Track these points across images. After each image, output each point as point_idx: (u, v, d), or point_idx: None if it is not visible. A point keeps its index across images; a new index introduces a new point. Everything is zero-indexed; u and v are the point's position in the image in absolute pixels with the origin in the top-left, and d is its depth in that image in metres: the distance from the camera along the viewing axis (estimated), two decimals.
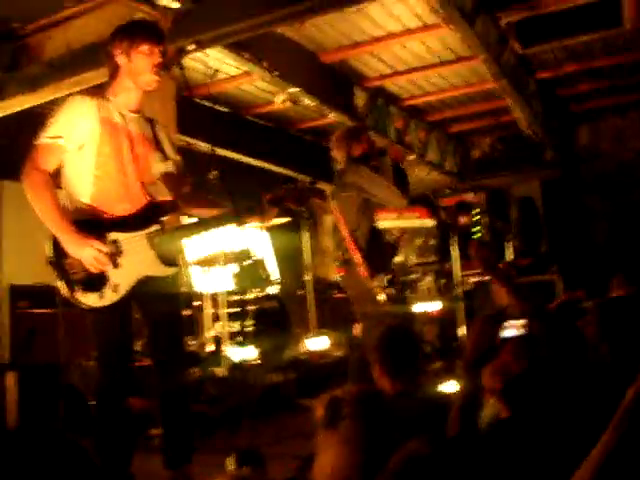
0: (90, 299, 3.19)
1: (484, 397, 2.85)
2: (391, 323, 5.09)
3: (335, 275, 5.36)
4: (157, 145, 3.46)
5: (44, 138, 3.21)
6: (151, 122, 3.52)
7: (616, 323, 2.66)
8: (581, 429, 1.81)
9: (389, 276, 5.00)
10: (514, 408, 2.11)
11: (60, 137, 3.20)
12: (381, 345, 3.31)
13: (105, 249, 3.16)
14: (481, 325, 2.62)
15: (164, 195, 3.46)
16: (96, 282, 3.18)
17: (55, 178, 3.27)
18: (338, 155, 5.25)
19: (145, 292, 3.27)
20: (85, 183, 3.25)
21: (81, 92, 3.36)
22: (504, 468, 1.83)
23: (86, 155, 3.24)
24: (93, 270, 3.15)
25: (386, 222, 7.86)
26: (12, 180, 4.96)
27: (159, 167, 3.46)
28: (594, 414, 1.74)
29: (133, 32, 3.35)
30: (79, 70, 5.59)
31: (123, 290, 3.20)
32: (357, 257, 4.97)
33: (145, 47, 3.29)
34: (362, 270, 4.92)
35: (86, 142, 3.24)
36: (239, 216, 3.35)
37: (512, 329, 3.23)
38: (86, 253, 3.12)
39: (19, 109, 6.11)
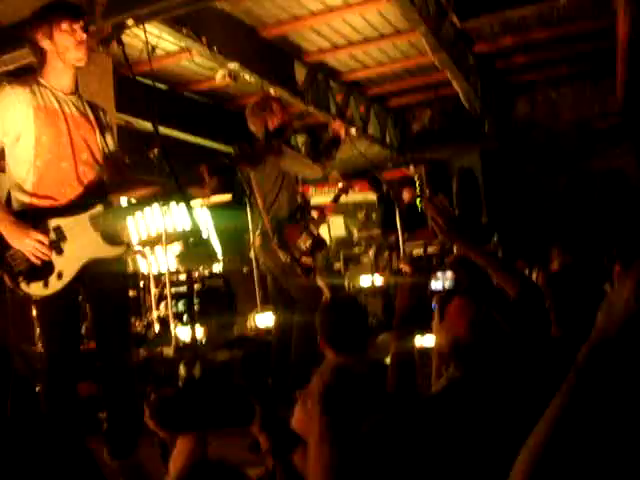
0: (34, 288, 3.15)
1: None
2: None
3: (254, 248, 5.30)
4: (99, 126, 3.40)
5: None
6: (92, 105, 3.46)
7: (563, 292, 2.73)
8: (531, 390, 1.85)
9: (307, 243, 4.94)
10: (466, 368, 2.14)
11: None
12: (326, 318, 3.27)
13: (43, 238, 3.11)
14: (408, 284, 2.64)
15: (109, 174, 3.40)
16: (41, 271, 3.15)
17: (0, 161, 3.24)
18: (255, 128, 5.11)
19: (91, 273, 3.23)
20: (26, 172, 3.20)
21: (11, 82, 3.26)
22: (456, 428, 1.87)
23: (24, 145, 3.19)
24: (34, 260, 3.12)
25: (321, 197, 7.89)
26: None
27: (101, 148, 3.40)
28: (544, 376, 1.79)
29: (50, 13, 3.26)
30: (7, 50, 5.44)
31: (68, 276, 3.16)
32: (269, 230, 4.91)
33: (65, 25, 3.21)
34: (274, 245, 4.87)
35: (22, 132, 3.18)
36: (180, 191, 3.31)
37: (440, 281, 3.29)
38: (25, 243, 3.09)
39: None
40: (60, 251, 3.17)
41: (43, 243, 3.11)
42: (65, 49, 3.22)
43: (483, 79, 9.38)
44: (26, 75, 3.33)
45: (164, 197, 3.46)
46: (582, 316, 2.39)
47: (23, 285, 3.14)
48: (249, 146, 4.88)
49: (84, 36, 3.22)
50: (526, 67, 9.73)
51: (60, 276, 3.15)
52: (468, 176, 10.64)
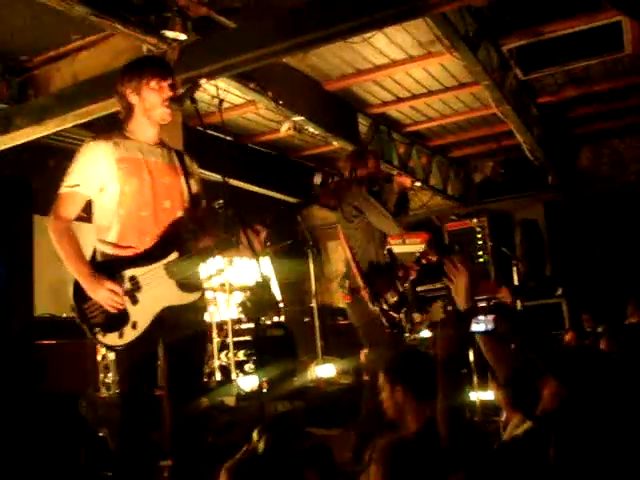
0: (110, 339, 3.23)
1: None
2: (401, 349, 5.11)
3: (341, 301, 5.36)
4: (184, 173, 3.49)
5: (64, 187, 3.30)
6: (179, 153, 3.56)
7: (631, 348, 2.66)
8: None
9: (393, 299, 5.00)
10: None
11: (77, 185, 3.29)
12: (404, 368, 3.24)
13: (117, 288, 3.19)
14: (444, 326, 2.58)
15: (189, 220, 3.46)
16: (116, 321, 3.22)
17: (87, 213, 3.39)
18: (345, 174, 5.26)
19: (168, 321, 3.27)
20: (110, 222, 3.30)
21: (95, 137, 3.39)
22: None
23: (108, 196, 3.30)
24: (110, 310, 3.19)
25: (397, 248, 7.85)
26: (42, 215, 5.03)
27: (185, 194, 3.48)
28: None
29: (140, 69, 3.38)
30: (85, 102, 5.64)
31: (142, 326, 3.21)
32: (360, 282, 5.00)
33: (154, 82, 3.33)
34: (364, 294, 4.95)
35: (105, 185, 3.29)
36: (234, 243, 3.35)
37: (481, 324, 3.24)
38: (100, 294, 3.18)
39: (25, 140, 6.14)
40: (135, 301, 3.23)
41: (116, 293, 3.18)
42: (152, 106, 3.34)
43: (546, 130, 9.33)
44: (111, 130, 3.45)
45: (230, 246, 3.48)
46: None
47: (99, 336, 3.24)
48: (332, 183, 4.96)
49: (170, 94, 3.33)
50: (590, 117, 9.63)
51: (135, 326, 3.21)
52: (531, 227, 10.52)
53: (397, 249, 7.70)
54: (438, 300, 7.91)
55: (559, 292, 8.76)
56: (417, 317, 5.16)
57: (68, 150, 6.02)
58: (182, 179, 3.46)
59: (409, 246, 8.94)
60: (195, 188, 3.53)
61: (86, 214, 3.42)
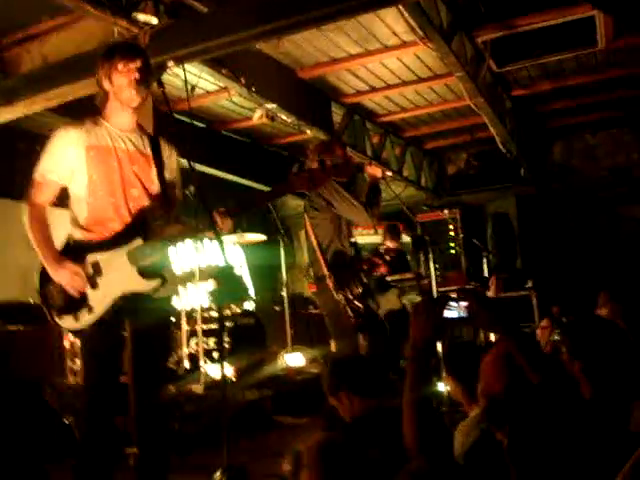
0: (66, 322, 3.26)
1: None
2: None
3: (309, 291, 5.37)
4: (158, 161, 3.46)
5: (36, 173, 3.33)
6: (155, 139, 3.53)
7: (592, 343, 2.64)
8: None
9: (358, 290, 5.02)
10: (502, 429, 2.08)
11: (50, 171, 3.31)
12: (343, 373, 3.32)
13: (78, 269, 3.21)
14: (417, 313, 2.50)
15: (158, 207, 3.44)
16: (74, 305, 3.24)
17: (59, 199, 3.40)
18: (311, 166, 5.24)
19: (133, 307, 3.27)
20: (80, 208, 3.34)
21: (66, 125, 3.38)
22: None
23: (79, 184, 3.32)
24: (71, 291, 3.21)
25: (362, 238, 7.88)
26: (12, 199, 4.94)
27: (156, 182, 3.45)
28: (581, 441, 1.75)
29: (110, 55, 3.38)
30: (55, 84, 5.57)
31: (99, 310, 3.21)
32: (325, 271, 5.00)
33: (121, 65, 3.30)
34: (329, 283, 4.95)
35: (75, 172, 3.31)
36: (199, 231, 3.38)
37: (454, 310, 3.24)
38: (62, 275, 3.21)
39: None
40: (95, 285, 3.24)
41: (78, 273, 3.21)
42: (119, 89, 3.31)
43: (520, 123, 9.38)
44: (87, 116, 3.44)
45: (196, 234, 3.50)
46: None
47: (56, 318, 3.27)
48: (306, 171, 4.94)
49: (137, 76, 3.29)
50: (564, 111, 9.68)
51: (90, 310, 3.22)
52: (503, 220, 10.58)
53: (366, 239, 7.71)
54: (392, 289, 7.92)
55: (529, 284, 8.80)
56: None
57: (37, 134, 5.95)
58: (153, 166, 3.44)
59: (380, 236, 8.97)
60: (170, 175, 3.51)
61: (58, 200, 3.42)
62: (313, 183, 3.51)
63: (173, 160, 3.59)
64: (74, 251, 3.29)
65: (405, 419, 2.27)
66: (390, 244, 8.33)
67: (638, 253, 9.29)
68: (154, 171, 3.45)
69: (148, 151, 3.46)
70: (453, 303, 2.74)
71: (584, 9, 6.13)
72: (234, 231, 3.43)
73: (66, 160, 3.30)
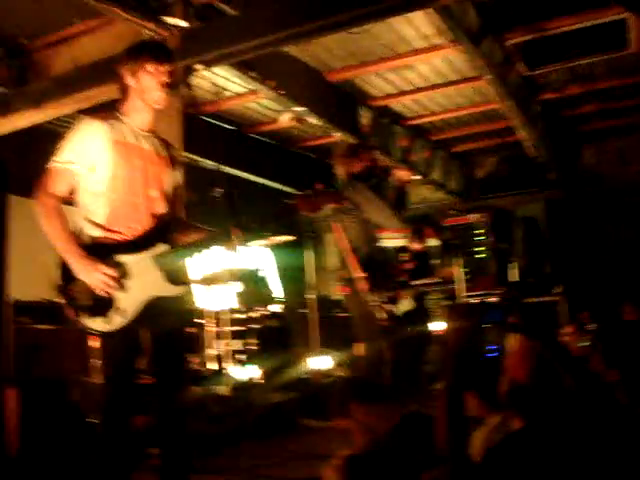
0: (97, 324, 3.18)
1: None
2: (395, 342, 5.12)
3: (338, 294, 5.36)
4: (171, 165, 3.47)
5: (55, 162, 3.22)
6: (166, 142, 3.54)
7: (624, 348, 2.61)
8: (591, 454, 1.78)
9: (389, 293, 5.02)
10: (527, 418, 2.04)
11: (71, 162, 3.21)
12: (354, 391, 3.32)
13: (111, 272, 3.15)
14: (459, 317, 2.46)
15: (178, 213, 3.46)
16: (104, 306, 3.17)
17: (71, 196, 3.28)
18: (339, 171, 5.27)
19: (153, 311, 3.25)
20: (98, 205, 3.25)
21: (91, 115, 3.35)
22: None
23: (99, 178, 3.24)
24: (101, 293, 3.15)
25: (391, 241, 7.84)
26: (20, 196, 4.94)
27: (171, 186, 3.47)
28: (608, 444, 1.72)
29: (139, 52, 3.37)
30: (84, 87, 5.62)
31: (130, 313, 3.18)
32: (358, 274, 4.99)
33: (151, 66, 3.30)
34: (362, 285, 4.95)
35: (97, 165, 3.23)
36: (215, 240, 3.37)
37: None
38: (92, 276, 3.12)
39: (25, 125, 6.12)
40: (123, 287, 3.19)
41: (112, 276, 3.15)
42: (147, 89, 3.30)
43: (549, 127, 9.29)
44: (105, 111, 3.41)
45: (216, 242, 3.47)
46: None
47: (85, 319, 3.17)
48: (312, 193, 4.95)
49: (167, 79, 3.30)
50: (594, 115, 9.59)
51: (122, 313, 3.17)
52: (532, 224, 10.50)
53: (394, 242, 7.69)
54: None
55: (558, 290, 8.72)
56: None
57: (46, 132, 5.99)
58: (168, 170, 3.44)
59: (403, 240, 8.94)
60: (178, 180, 3.52)
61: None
62: (315, 207, 3.51)
63: (180, 164, 3.61)
64: (95, 249, 3.19)
65: (438, 425, 2.26)
66: (416, 246, 8.29)
67: None
68: (169, 175, 3.46)
69: (164, 153, 3.47)
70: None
71: (615, 12, 6.07)
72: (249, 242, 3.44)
73: (89, 152, 3.22)
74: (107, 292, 3.16)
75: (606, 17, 6.23)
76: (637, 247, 9.63)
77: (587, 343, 5.13)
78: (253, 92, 7.24)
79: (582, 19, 6.32)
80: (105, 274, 3.14)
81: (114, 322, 3.17)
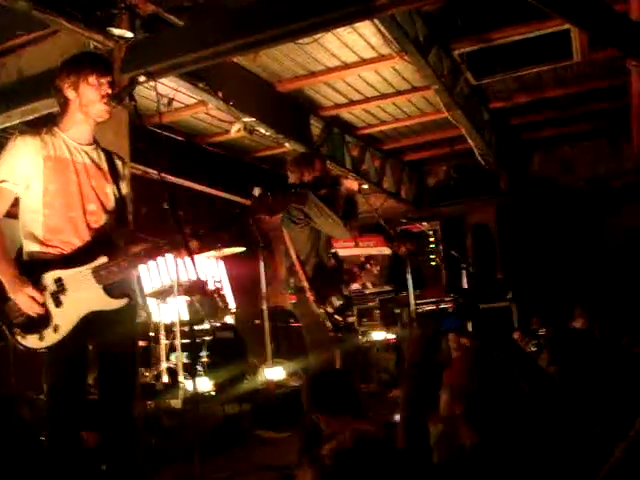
0: (30, 341, 3.15)
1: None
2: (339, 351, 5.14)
3: (288, 303, 5.35)
4: (114, 176, 3.43)
5: None
6: (109, 154, 3.49)
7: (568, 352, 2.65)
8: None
9: (338, 303, 5.02)
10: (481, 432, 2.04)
11: (4, 180, 3.20)
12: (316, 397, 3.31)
13: (37, 295, 3.12)
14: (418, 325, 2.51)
15: (115, 224, 3.42)
16: (37, 324, 3.14)
17: (14, 209, 3.28)
18: (291, 179, 5.26)
19: (94, 325, 3.21)
20: (35, 221, 3.23)
21: (22, 132, 3.32)
22: None
23: (33, 194, 3.22)
24: (30, 313, 3.13)
25: (344, 250, 7.88)
26: None
27: (113, 198, 3.42)
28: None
29: (79, 64, 3.33)
30: (30, 99, 5.54)
31: (64, 329, 3.14)
32: (305, 284, 4.98)
33: (92, 78, 3.27)
34: (310, 296, 4.94)
35: (31, 182, 3.22)
36: (163, 250, 3.33)
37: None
38: (20, 298, 3.11)
39: None
40: (59, 303, 3.16)
41: (35, 300, 3.11)
42: (89, 102, 3.27)
43: (498, 135, 9.43)
44: (41, 124, 3.37)
45: (161, 252, 3.43)
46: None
47: (19, 337, 3.16)
48: (269, 196, 4.94)
49: (109, 91, 3.27)
50: (542, 123, 9.75)
51: (56, 329, 3.13)
52: (483, 232, 10.62)
53: (346, 252, 7.71)
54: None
55: (509, 295, 8.84)
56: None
57: None
58: (110, 182, 3.41)
59: (361, 249, 8.98)
60: (124, 191, 3.49)
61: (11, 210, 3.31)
62: (272, 210, 3.50)
63: (127, 175, 3.58)
64: (32, 265, 3.19)
65: (398, 435, 2.28)
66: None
67: (617, 263, 9.35)
68: (110, 186, 3.42)
69: (104, 166, 3.43)
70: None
71: (559, 22, 6.18)
72: (205, 250, 3.38)
73: (22, 169, 3.20)
74: (35, 313, 3.12)
75: (550, 28, 6.35)
76: (585, 252, 9.79)
77: (534, 349, 5.21)
78: (202, 103, 7.21)
79: (527, 30, 6.43)
80: (30, 296, 3.11)
81: (48, 339, 3.13)
